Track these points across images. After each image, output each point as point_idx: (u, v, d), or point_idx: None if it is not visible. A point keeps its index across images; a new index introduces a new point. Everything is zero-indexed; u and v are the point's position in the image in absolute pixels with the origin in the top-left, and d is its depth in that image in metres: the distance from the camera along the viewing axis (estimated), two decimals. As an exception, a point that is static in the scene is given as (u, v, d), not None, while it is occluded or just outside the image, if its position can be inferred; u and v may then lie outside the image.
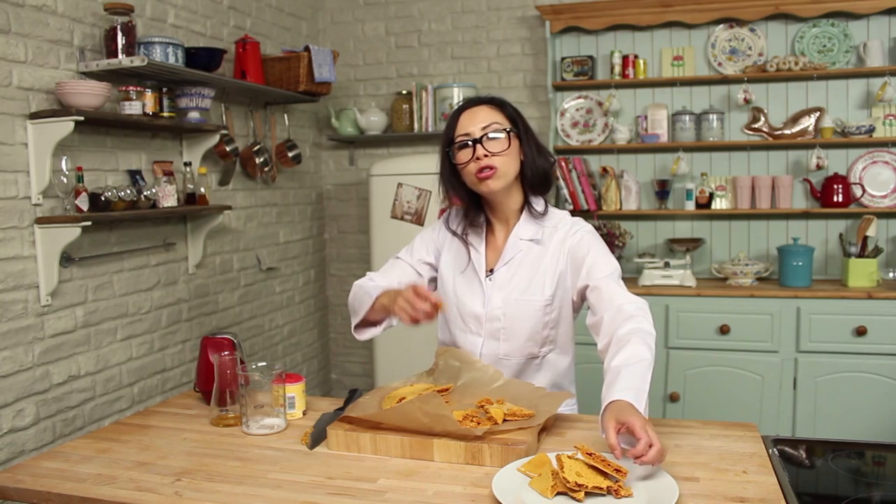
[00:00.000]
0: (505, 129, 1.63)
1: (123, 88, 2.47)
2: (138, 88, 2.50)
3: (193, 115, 2.78)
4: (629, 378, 1.36)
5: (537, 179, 1.70)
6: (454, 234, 1.77)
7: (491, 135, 1.62)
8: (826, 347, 3.06)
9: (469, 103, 1.69)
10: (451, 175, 1.69)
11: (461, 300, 1.73)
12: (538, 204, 1.72)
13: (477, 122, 1.63)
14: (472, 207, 1.73)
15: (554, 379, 1.74)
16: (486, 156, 1.60)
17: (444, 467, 1.34)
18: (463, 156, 1.64)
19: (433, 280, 1.83)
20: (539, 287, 1.67)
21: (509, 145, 1.63)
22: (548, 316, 1.68)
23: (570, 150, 3.72)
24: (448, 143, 1.67)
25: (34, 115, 2.24)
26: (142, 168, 2.72)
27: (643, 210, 3.61)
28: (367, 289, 1.72)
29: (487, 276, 1.71)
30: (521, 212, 1.72)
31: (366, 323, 1.74)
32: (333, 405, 1.73)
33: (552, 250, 1.69)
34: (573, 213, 1.81)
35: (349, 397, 1.67)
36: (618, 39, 3.66)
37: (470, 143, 1.62)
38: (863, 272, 3.16)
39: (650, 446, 1.20)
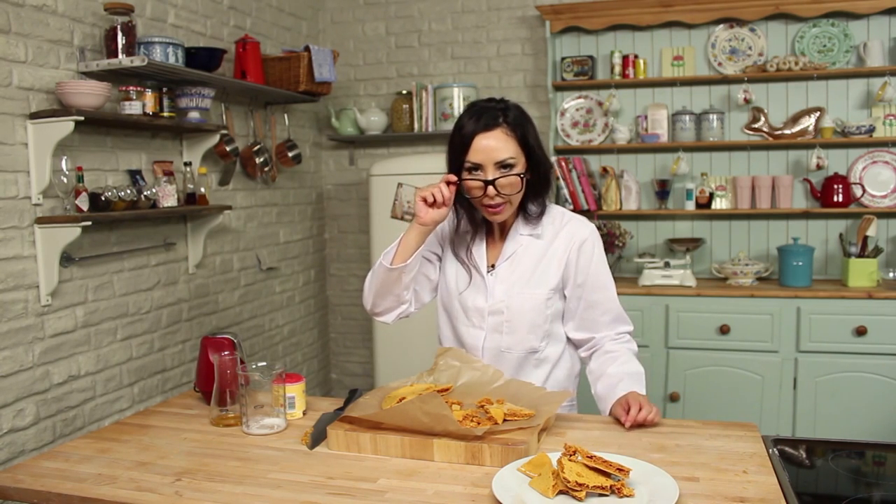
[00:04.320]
0: (519, 175, 1.61)
1: (123, 88, 2.47)
2: (138, 88, 2.50)
3: (193, 115, 2.78)
4: (628, 380, 1.64)
5: (538, 186, 1.71)
6: (456, 256, 1.78)
7: (502, 171, 1.60)
8: (826, 347, 3.07)
9: (482, 123, 1.60)
10: (459, 196, 1.68)
11: (463, 294, 1.75)
12: (535, 206, 1.73)
13: (490, 155, 1.59)
14: (472, 215, 1.74)
15: (555, 375, 1.76)
16: (497, 195, 1.61)
17: (444, 467, 1.34)
18: (474, 189, 1.63)
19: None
20: (542, 280, 1.70)
21: (521, 188, 1.63)
22: (549, 309, 1.71)
23: (570, 150, 3.72)
24: (457, 164, 1.63)
25: (34, 115, 2.24)
26: (142, 168, 2.72)
27: (643, 210, 3.61)
28: (383, 255, 1.70)
29: (489, 272, 1.73)
30: (518, 215, 1.74)
31: (385, 294, 1.71)
32: (333, 405, 1.73)
33: (558, 244, 1.72)
34: (573, 212, 1.83)
35: (349, 397, 1.67)
36: (618, 39, 3.66)
37: (482, 182, 1.60)
38: (863, 272, 3.16)
39: (639, 409, 1.52)
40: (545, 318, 1.71)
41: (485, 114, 1.61)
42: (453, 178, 1.62)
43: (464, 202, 1.71)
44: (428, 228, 1.64)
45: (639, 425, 1.54)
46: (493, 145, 1.59)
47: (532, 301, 1.69)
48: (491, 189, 1.60)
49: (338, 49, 3.97)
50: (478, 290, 1.73)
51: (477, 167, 1.61)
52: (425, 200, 1.61)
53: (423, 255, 1.79)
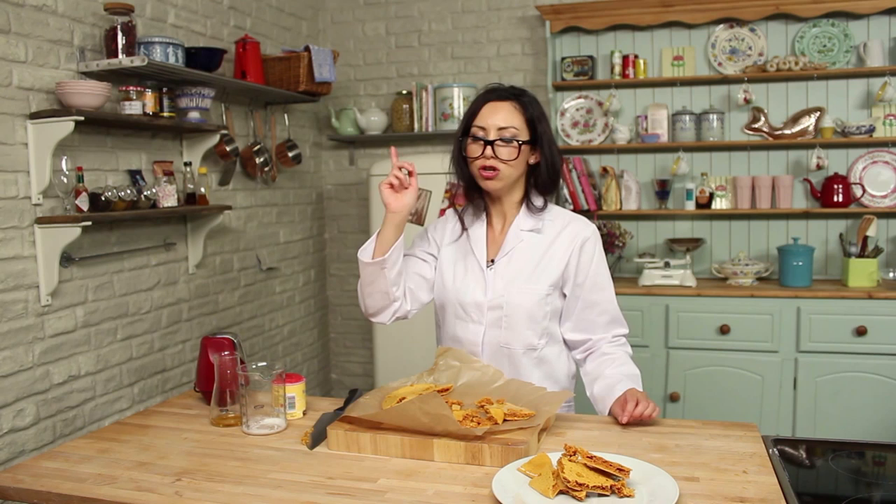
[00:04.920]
0: (517, 140, 1.66)
1: (123, 88, 2.47)
2: (138, 88, 2.50)
3: (193, 115, 2.78)
4: (626, 381, 1.64)
5: (549, 179, 1.74)
6: (465, 228, 1.79)
7: (503, 140, 1.65)
8: (826, 347, 3.07)
9: (495, 94, 1.70)
10: (460, 158, 1.74)
11: (461, 290, 1.75)
12: (537, 200, 1.76)
13: (495, 120, 1.66)
14: (474, 191, 1.77)
15: (554, 375, 1.77)
16: (493, 157, 1.65)
17: (444, 467, 1.34)
18: (473, 150, 1.69)
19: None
20: (542, 275, 1.71)
21: (517, 156, 1.67)
22: (548, 305, 1.72)
23: (570, 150, 3.72)
24: (465, 130, 1.71)
25: (34, 115, 2.24)
26: (142, 168, 2.72)
27: (643, 210, 3.61)
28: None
29: (488, 267, 1.74)
30: (520, 206, 1.76)
31: (373, 292, 1.71)
32: (333, 405, 1.73)
33: (561, 242, 1.73)
34: (574, 213, 1.84)
35: (349, 397, 1.67)
36: (618, 39, 3.66)
37: (482, 141, 1.66)
38: (863, 272, 3.16)
39: (636, 405, 1.53)
40: (544, 315, 1.71)
41: (501, 90, 1.71)
42: (394, 148, 1.70)
43: (464, 175, 1.74)
44: (401, 216, 1.65)
45: (637, 422, 1.54)
46: (500, 112, 1.66)
47: (531, 296, 1.70)
48: (488, 150, 1.65)
49: (338, 49, 3.97)
50: (476, 284, 1.74)
51: (482, 132, 1.67)
52: (391, 185, 1.64)
53: (416, 255, 1.81)
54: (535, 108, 1.70)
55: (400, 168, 1.64)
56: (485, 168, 1.67)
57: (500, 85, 1.74)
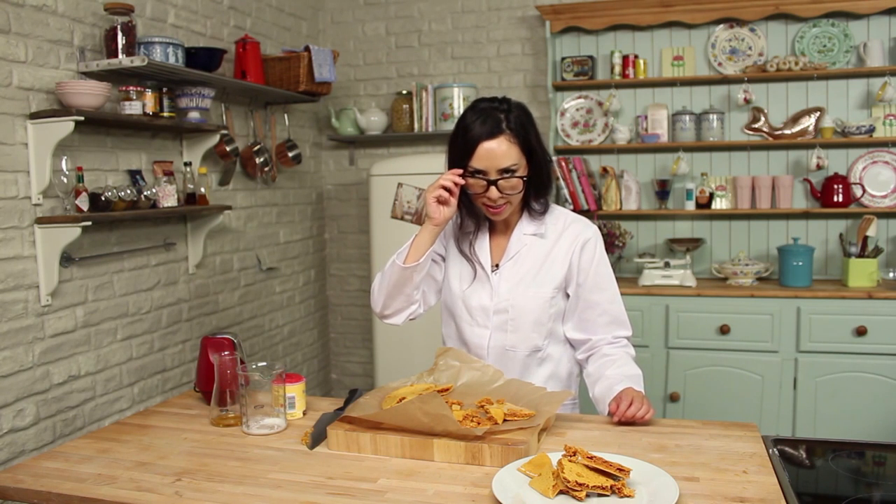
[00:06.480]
0: (521, 177, 1.64)
1: (123, 88, 2.47)
2: (138, 88, 2.50)
3: (193, 115, 2.78)
4: (627, 381, 1.63)
5: (539, 184, 1.72)
6: (461, 251, 1.79)
7: (506, 181, 1.62)
8: (826, 347, 3.06)
9: (486, 131, 1.60)
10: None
11: (467, 294, 1.76)
12: (538, 204, 1.76)
13: (495, 161, 1.60)
14: (474, 211, 1.75)
15: (558, 374, 1.77)
16: (499, 196, 1.64)
17: (444, 467, 1.35)
18: (476, 187, 1.65)
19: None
20: (546, 278, 1.72)
21: (522, 188, 1.66)
22: (553, 308, 1.72)
23: (570, 150, 3.72)
24: (461, 167, 1.64)
25: (34, 115, 2.24)
26: (142, 168, 2.72)
27: (643, 210, 3.61)
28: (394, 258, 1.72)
29: (493, 271, 1.74)
30: (522, 211, 1.76)
31: (396, 294, 1.72)
32: (333, 405, 1.73)
33: (562, 243, 1.73)
34: (575, 213, 1.84)
35: (349, 397, 1.67)
36: (618, 39, 3.66)
37: (485, 181, 1.63)
38: (863, 272, 3.16)
39: (630, 405, 1.53)
40: (549, 317, 1.73)
41: (489, 117, 1.61)
42: (459, 172, 1.64)
43: (466, 199, 1.72)
44: (441, 228, 1.67)
45: (633, 422, 1.54)
46: (497, 153, 1.61)
47: (536, 300, 1.71)
48: (493, 191, 1.62)
49: (338, 49, 3.97)
50: (482, 288, 1.75)
51: (481, 173, 1.63)
52: (438, 200, 1.63)
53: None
54: (524, 125, 1.64)
55: (453, 182, 1.63)
56: (491, 206, 1.66)
57: (482, 103, 1.65)
